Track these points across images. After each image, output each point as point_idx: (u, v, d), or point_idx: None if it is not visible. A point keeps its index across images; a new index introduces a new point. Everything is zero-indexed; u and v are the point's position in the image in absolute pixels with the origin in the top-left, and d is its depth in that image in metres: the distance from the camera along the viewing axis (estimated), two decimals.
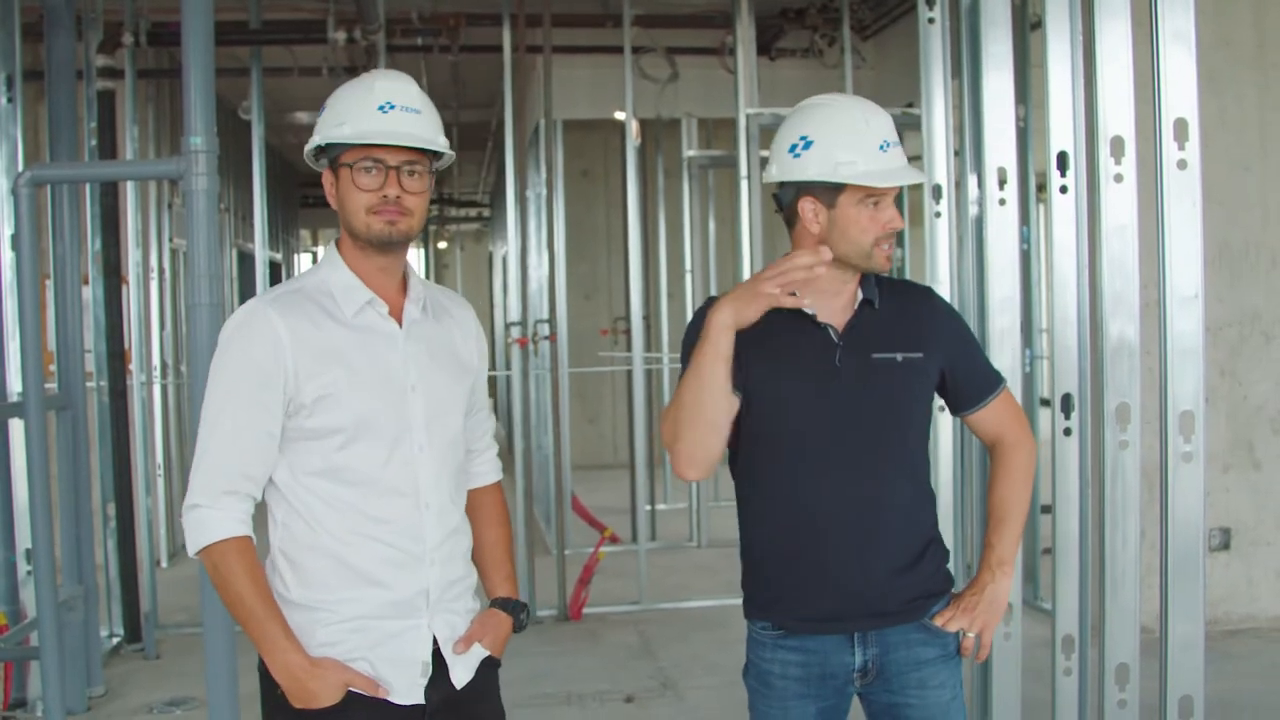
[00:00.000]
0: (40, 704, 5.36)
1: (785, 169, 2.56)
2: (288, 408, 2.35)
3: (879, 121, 2.54)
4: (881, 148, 2.51)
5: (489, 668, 2.57)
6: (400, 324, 2.46)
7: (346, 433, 2.36)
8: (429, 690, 2.45)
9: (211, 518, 2.33)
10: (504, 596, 2.65)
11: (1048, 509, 4.32)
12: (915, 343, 2.62)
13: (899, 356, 2.59)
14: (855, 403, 2.57)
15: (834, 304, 2.61)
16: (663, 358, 10.10)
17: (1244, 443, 6.50)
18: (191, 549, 2.36)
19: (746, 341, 2.51)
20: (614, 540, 7.91)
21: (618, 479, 9.69)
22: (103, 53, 6.60)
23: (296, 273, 16.78)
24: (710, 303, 2.58)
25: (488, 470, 2.74)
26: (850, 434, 2.57)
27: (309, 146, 2.44)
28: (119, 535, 6.55)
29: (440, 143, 2.43)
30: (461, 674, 2.50)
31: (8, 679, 5.40)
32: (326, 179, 2.44)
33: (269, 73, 7.48)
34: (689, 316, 8.82)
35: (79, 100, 6.18)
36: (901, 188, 2.59)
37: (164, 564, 8.43)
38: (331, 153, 2.41)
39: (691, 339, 2.57)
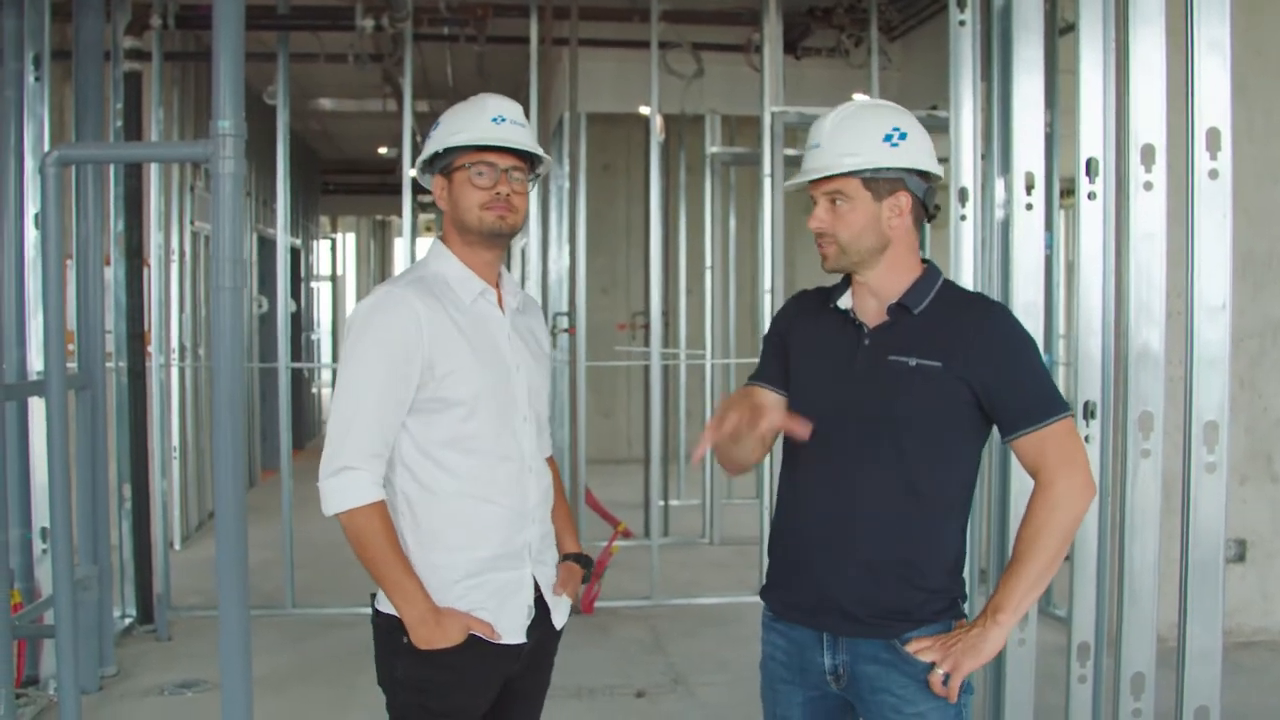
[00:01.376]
0: (52, 682, 5.38)
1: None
2: (420, 379, 2.64)
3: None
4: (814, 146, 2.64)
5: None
6: (503, 312, 2.81)
7: (469, 405, 2.67)
8: (530, 630, 2.80)
9: (360, 480, 2.61)
10: (573, 551, 3.00)
11: None
12: (937, 351, 2.55)
13: (913, 361, 2.55)
14: (856, 401, 2.59)
15: (874, 305, 2.65)
16: (680, 354, 10.09)
17: (1262, 454, 6.47)
18: (337, 508, 2.62)
19: (798, 334, 2.72)
20: (627, 535, 7.91)
21: (631, 474, 9.69)
22: (130, 34, 6.63)
23: (316, 259, 16.83)
24: (798, 297, 2.80)
25: (549, 445, 3.01)
26: (846, 430, 2.59)
27: (423, 156, 2.76)
28: (134, 516, 6.57)
29: (540, 151, 2.78)
30: (559, 617, 2.90)
31: (20, 656, 5.41)
32: (438, 184, 2.77)
33: (295, 58, 7.48)
34: (708, 313, 8.81)
35: (105, 81, 6.18)
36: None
37: (177, 546, 8.46)
38: (445, 160, 2.74)
39: (770, 325, 2.86)
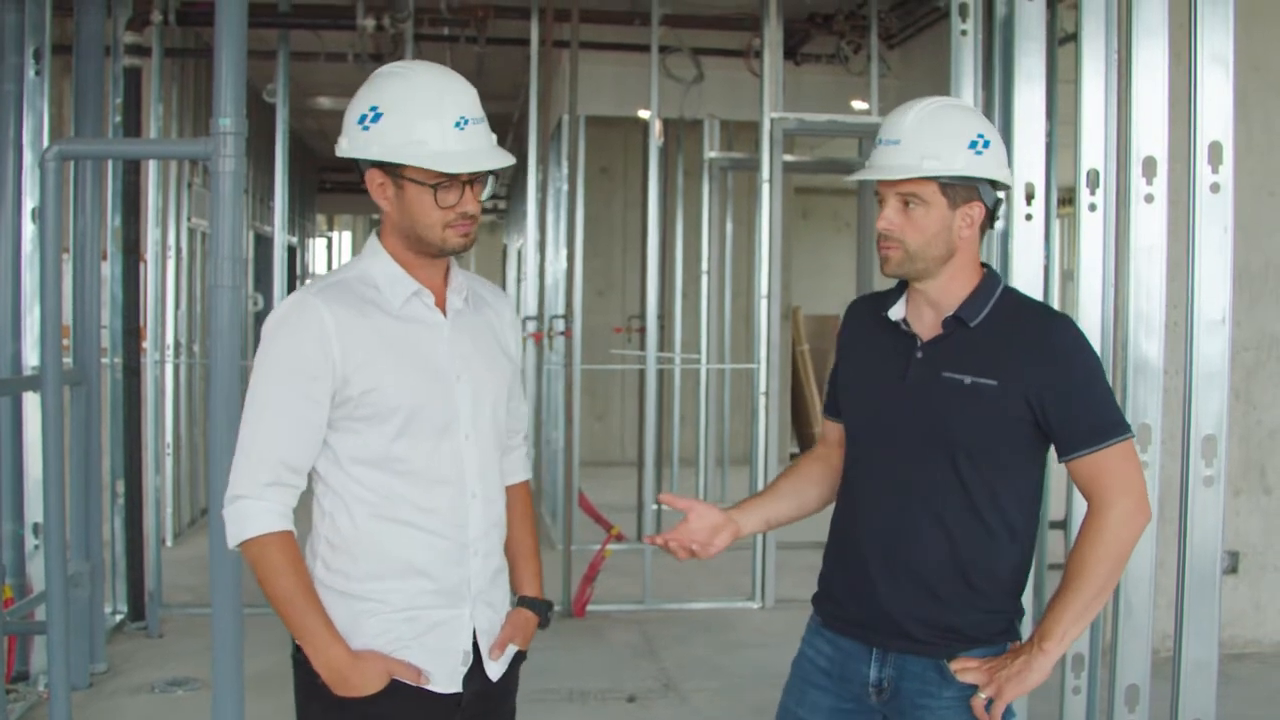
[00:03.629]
0: (43, 678, 5.36)
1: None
2: (335, 398, 2.36)
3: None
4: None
5: (516, 661, 2.63)
6: (444, 314, 2.49)
7: (396, 423, 2.38)
8: (466, 679, 2.48)
9: (254, 509, 2.34)
10: (531, 596, 2.68)
11: (1060, 525, 4.31)
12: (994, 369, 2.45)
13: (967, 379, 2.46)
14: (911, 419, 2.52)
15: (931, 316, 2.57)
16: (675, 358, 10.09)
17: (1256, 467, 6.48)
18: (232, 541, 2.37)
19: (851, 345, 2.69)
20: (620, 538, 7.89)
21: (624, 477, 9.66)
22: (131, 30, 6.60)
23: (312, 257, 16.80)
24: (852, 306, 2.75)
25: (518, 468, 2.75)
26: (902, 449, 2.53)
27: (363, 155, 2.38)
28: (127, 512, 6.55)
29: (509, 160, 2.43)
30: (496, 669, 2.54)
31: (10, 652, 5.39)
32: (378, 179, 2.40)
33: (294, 57, 7.47)
34: (704, 317, 8.80)
35: (105, 76, 6.17)
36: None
37: (169, 543, 8.44)
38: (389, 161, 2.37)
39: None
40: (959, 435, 2.47)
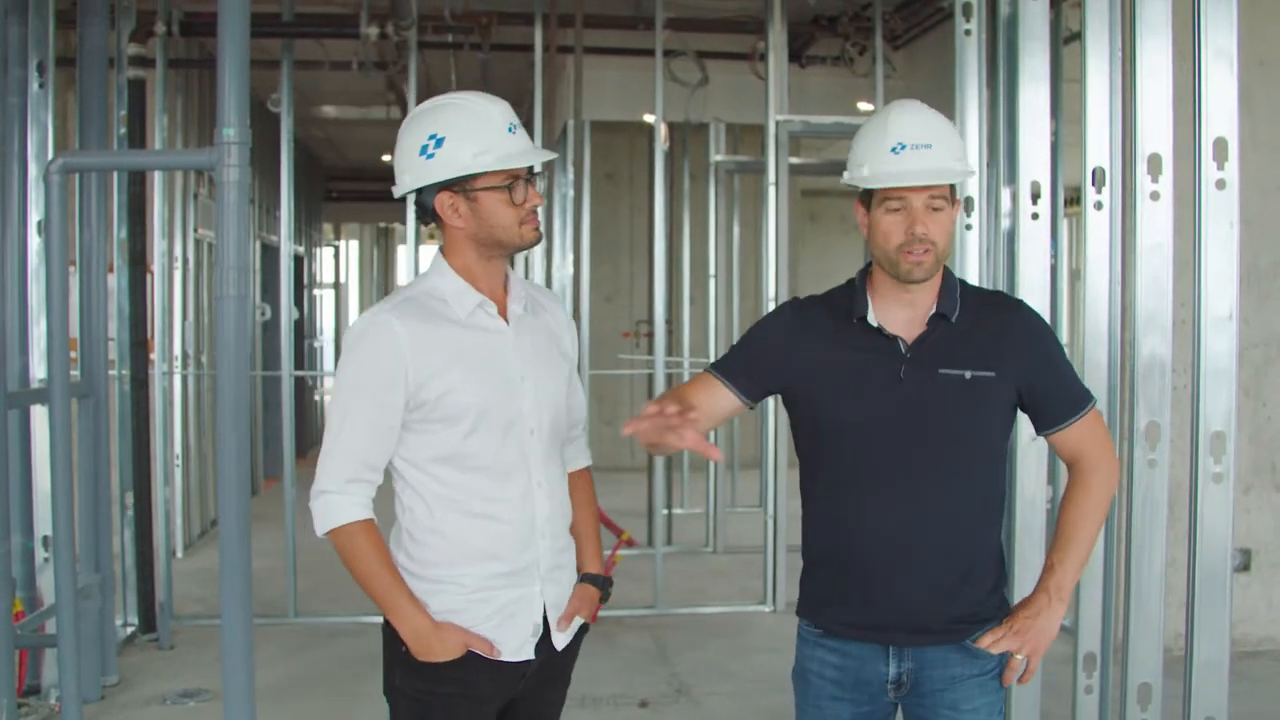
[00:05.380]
0: (54, 691, 5.37)
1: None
2: (410, 403, 2.61)
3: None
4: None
5: (582, 630, 2.90)
6: (507, 321, 2.73)
7: (468, 423, 2.63)
8: (536, 648, 2.75)
9: (338, 503, 2.62)
10: (593, 572, 2.94)
11: None
12: (988, 360, 2.55)
13: (967, 374, 2.54)
14: (918, 419, 2.55)
15: (907, 315, 2.60)
16: (684, 361, 10.08)
17: (1266, 464, 6.46)
18: (321, 530, 2.65)
19: (808, 349, 2.65)
20: (631, 544, 7.86)
21: (635, 482, 9.65)
22: (134, 41, 6.60)
23: (319, 266, 16.82)
24: (797, 307, 2.75)
25: (580, 455, 3.00)
26: (911, 451, 2.55)
27: (439, 178, 2.60)
28: (136, 524, 6.56)
29: (552, 153, 2.85)
30: (562, 639, 2.81)
31: (22, 666, 5.40)
32: (448, 201, 2.63)
33: (298, 65, 7.47)
34: (711, 321, 8.78)
35: (109, 88, 6.18)
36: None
37: (179, 554, 8.45)
38: (458, 179, 2.61)
39: (754, 329, 2.86)
40: (963, 428, 2.55)
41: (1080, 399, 2.65)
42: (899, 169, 2.52)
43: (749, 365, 2.76)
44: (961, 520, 2.58)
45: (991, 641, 2.58)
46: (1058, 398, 2.63)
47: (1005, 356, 2.56)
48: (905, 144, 2.52)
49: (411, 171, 2.64)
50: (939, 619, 2.58)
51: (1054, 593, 2.59)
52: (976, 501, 2.60)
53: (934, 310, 2.58)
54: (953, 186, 2.56)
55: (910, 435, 2.55)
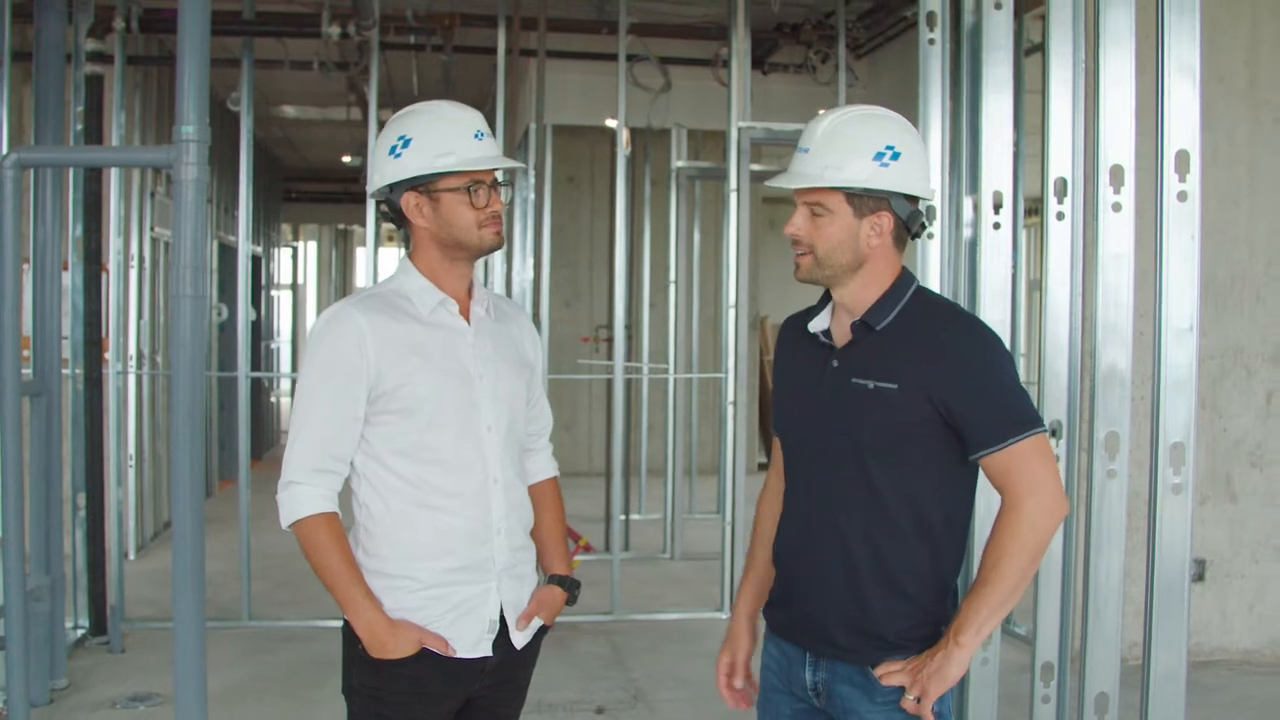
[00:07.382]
0: (1, 694, 5.28)
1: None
2: (370, 394, 2.68)
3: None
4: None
5: (540, 632, 2.93)
6: (469, 322, 2.82)
7: (425, 415, 2.69)
8: (494, 646, 2.79)
9: (304, 494, 2.68)
10: (559, 574, 2.99)
11: None
12: (891, 371, 2.46)
13: (871, 384, 2.48)
14: (825, 427, 2.56)
15: (844, 323, 2.60)
16: (643, 368, 10.07)
17: (1222, 475, 6.52)
18: (285, 522, 2.70)
19: (779, 363, 2.76)
20: (588, 549, 7.88)
21: (592, 488, 9.64)
22: (92, 37, 6.53)
23: (277, 267, 16.74)
24: (786, 322, 2.77)
25: (547, 466, 3.10)
26: (819, 458, 2.58)
27: (403, 176, 2.71)
28: (88, 525, 6.47)
29: (518, 161, 2.90)
30: (521, 639, 2.85)
31: None
32: (412, 201, 2.73)
33: (259, 64, 7.42)
34: (671, 327, 8.73)
35: (66, 83, 6.10)
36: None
37: (132, 556, 8.37)
38: (425, 179, 2.71)
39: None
40: (868, 440, 2.49)
41: (1008, 426, 2.42)
42: (788, 170, 2.59)
43: (780, 404, 2.79)
44: (872, 535, 2.50)
45: (885, 672, 2.49)
46: (979, 420, 2.43)
47: (911, 369, 2.45)
48: (800, 146, 2.56)
49: (380, 170, 2.76)
50: (844, 633, 2.54)
51: (953, 635, 2.43)
52: (893, 518, 2.50)
53: (860, 318, 2.55)
54: (851, 197, 2.48)
55: (821, 445, 2.57)
